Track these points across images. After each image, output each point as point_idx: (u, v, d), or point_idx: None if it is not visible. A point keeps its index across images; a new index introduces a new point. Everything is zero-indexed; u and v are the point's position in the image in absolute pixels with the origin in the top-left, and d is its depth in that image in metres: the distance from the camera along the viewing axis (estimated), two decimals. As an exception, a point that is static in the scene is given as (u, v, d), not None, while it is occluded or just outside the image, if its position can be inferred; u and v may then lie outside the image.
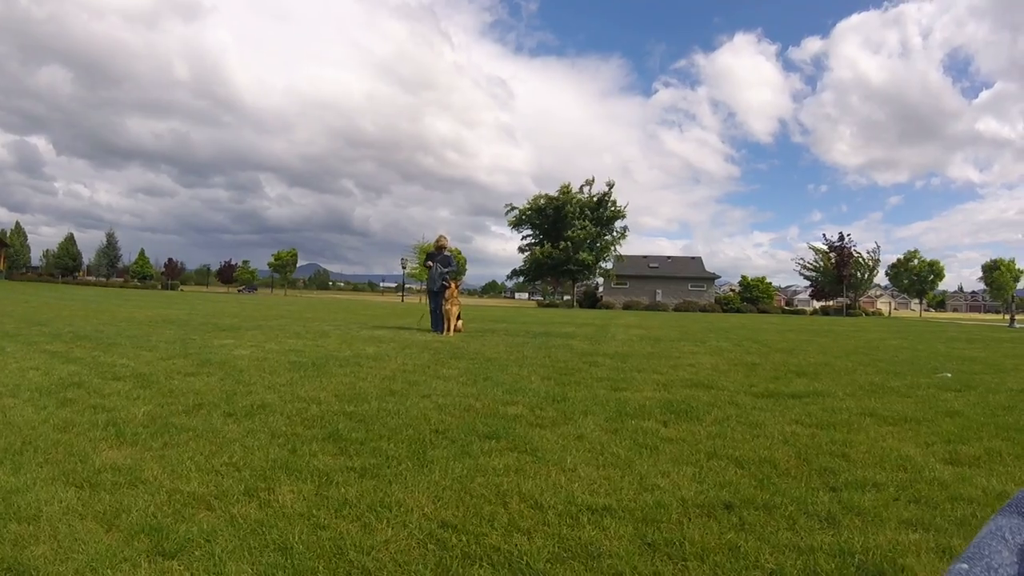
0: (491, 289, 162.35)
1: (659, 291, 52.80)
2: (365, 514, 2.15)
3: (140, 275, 79.05)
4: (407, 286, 64.48)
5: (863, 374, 6.17)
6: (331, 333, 9.60)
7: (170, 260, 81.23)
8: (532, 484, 2.44)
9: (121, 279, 78.45)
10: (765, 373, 5.91)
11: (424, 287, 10.25)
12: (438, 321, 9.74)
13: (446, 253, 9.95)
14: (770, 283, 57.21)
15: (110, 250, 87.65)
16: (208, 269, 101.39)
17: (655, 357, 7.13)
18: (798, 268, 54.89)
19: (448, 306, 9.48)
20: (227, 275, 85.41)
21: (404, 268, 55.09)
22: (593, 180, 51.62)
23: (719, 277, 57.38)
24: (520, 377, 5.21)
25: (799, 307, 63.23)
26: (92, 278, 79.32)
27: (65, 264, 79.70)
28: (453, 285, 9.52)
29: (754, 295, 54.48)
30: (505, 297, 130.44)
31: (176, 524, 2.08)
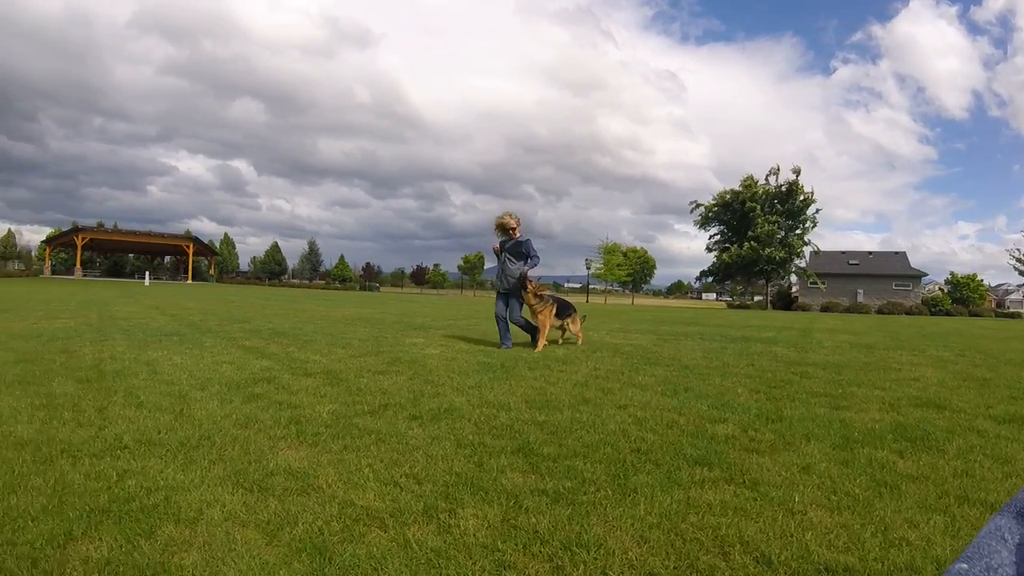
0: (677, 289, 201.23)
1: (860, 291, 62.22)
2: (558, 553, 2.34)
3: (340, 278, 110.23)
4: (591, 286, 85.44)
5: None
6: (519, 334, 11.24)
7: (367, 264, 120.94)
8: (755, 529, 2.60)
9: (323, 282, 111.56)
10: (1000, 391, 6.39)
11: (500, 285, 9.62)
12: (506, 332, 9.41)
13: (518, 237, 9.37)
14: (981, 281, 68.69)
15: (312, 256, 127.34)
16: (402, 272, 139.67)
17: (872, 368, 7.98)
18: (1014, 262, 61.13)
19: (538, 312, 9.24)
20: (419, 277, 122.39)
21: (588, 269, 74.59)
22: (779, 169, 60.63)
23: (926, 275, 67.31)
24: (725, 389, 5.92)
25: (1011, 309, 72.92)
26: (296, 281, 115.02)
27: (271, 269, 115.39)
28: (532, 284, 9.24)
29: (963, 295, 64.86)
30: (692, 298, 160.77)
31: (343, 544, 2.37)
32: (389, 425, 4.10)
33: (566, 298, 10.72)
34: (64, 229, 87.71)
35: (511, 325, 9.44)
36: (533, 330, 9.37)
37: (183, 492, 2.86)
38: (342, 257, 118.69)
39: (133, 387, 5.26)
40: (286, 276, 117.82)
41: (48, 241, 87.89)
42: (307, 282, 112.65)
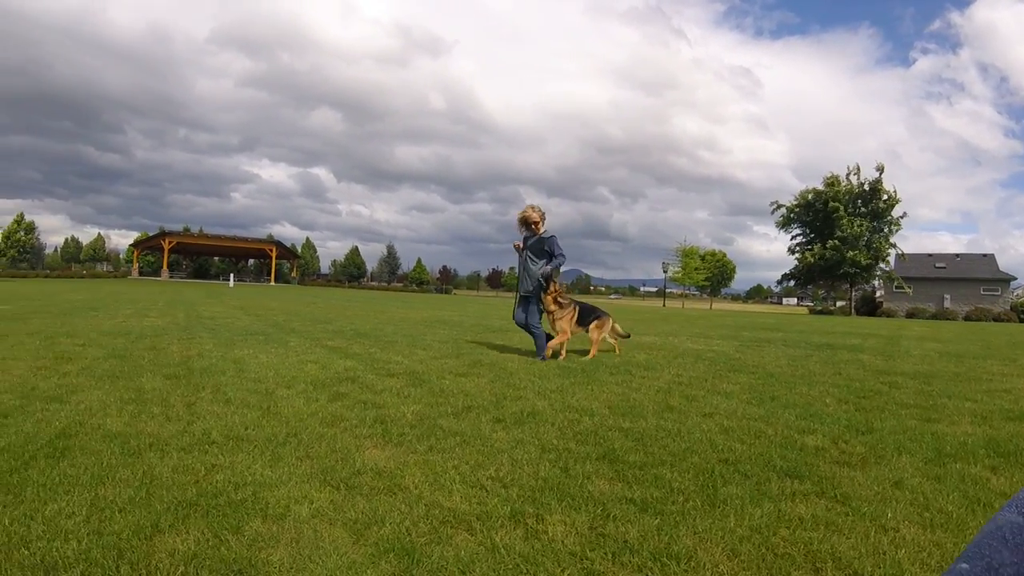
0: (756, 294, 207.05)
1: (947, 296, 62.24)
2: (648, 564, 2.37)
3: (417, 280, 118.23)
4: (668, 290, 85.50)
5: None
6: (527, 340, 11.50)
7: (444, 267, 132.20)
8: (847, 545, 2.62)
9: (400, 284, 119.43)
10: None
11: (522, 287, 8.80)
12: (541, 338, 8.61)
13: (542, 233, 8.56)
14: (1074, 285, 69.59)
15: (390, 259, 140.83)
16: (478, 275, 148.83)
17: (963, 379, 7.96)
18: None
19: (556, 320, 8.52)
20: (495, 280, 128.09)
21: (666, 272, 75.54)
22: (859, 168, 61.86)
23: (1015, 279, 65.84)
24: (812, 398, 5.99)
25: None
26: (375, 283, 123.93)
27: (351, 272, 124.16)
28: (554, 286, 8.56)
29: (1056, 300, 65.48)
30: (772, 302, 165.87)
31: (431, 546, 2.45)
32: (473, 427, 4.26)
33: (597, 304, 10.29)
34: (151, 233, 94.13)
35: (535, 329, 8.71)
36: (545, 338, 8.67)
37: (271, 488, 2.97)
38: (419, 260, 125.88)
39: (220, 384, 5.56)
40: (365, 279, 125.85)
41: (136, 244, 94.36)
42: (385, 284, 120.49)
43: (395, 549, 2.37)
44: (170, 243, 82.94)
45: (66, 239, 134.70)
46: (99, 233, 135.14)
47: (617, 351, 9.04)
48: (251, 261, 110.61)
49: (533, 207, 8.63)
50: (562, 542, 2.48)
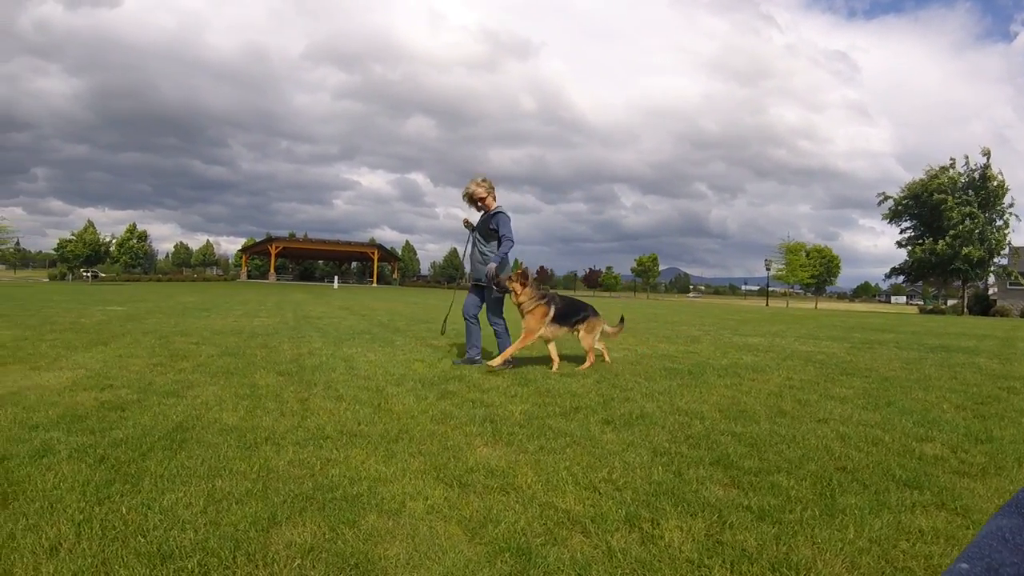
0: (863, 292, 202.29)
1: None
2: (767, 574, 2.36)
3: None
4: (771, 289, 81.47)
5: None
6: (702, 338, 11.84)
7: (541, 267, 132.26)
8: None
9: None
10: None
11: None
12: (477, 336, 7.49)
13: (498, 211, 7.37)
14: None
15: None
16: (574, 275, 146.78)
17: None
18: None
19: (526, 313, 7.06)
20: (592, 280, 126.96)
21: (768, 270, 72.68)
22: (967, 158, 60.89)
23: None
24: (929, 404, 5.83)
25: None
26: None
27: (449, 273, 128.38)
28: (518, 285, 7.08)
29: None
30: (879, 300, 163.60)
31: (546, 547, 2.44)
32: (582, 428, 4.25)
33: (584, 299, 8.56)
34: (258, 239, 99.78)
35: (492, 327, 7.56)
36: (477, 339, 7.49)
37: (386, 484, 3.01)
38: (516, 261, 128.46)
39: (332, 381, 5.74)
40: (463, 279, 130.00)
41: (244, 250, 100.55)
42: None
43: (511, 549, 2.37)
44: (276, 248, 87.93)
45: (176, 245, 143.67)
46: (208, 240, 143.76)
47: (606, 358, 7.63)
48: (354, 264, 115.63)
49: (478, 180, 7.47)
50: (679, 548, 2.45)
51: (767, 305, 62.69)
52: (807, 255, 75.07)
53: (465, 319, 7.52)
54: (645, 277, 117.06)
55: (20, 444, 3.52)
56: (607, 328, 7.76)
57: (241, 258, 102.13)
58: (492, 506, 2.76)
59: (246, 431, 3.88)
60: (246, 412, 4.41)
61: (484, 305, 7.59)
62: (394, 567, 2.22)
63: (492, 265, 7.18)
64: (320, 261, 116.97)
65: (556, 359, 7.08)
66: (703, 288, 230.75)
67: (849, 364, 8.70)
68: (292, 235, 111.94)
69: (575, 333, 7.38)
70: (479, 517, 2.64)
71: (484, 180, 7.50)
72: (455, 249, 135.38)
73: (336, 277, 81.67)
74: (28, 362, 6.51)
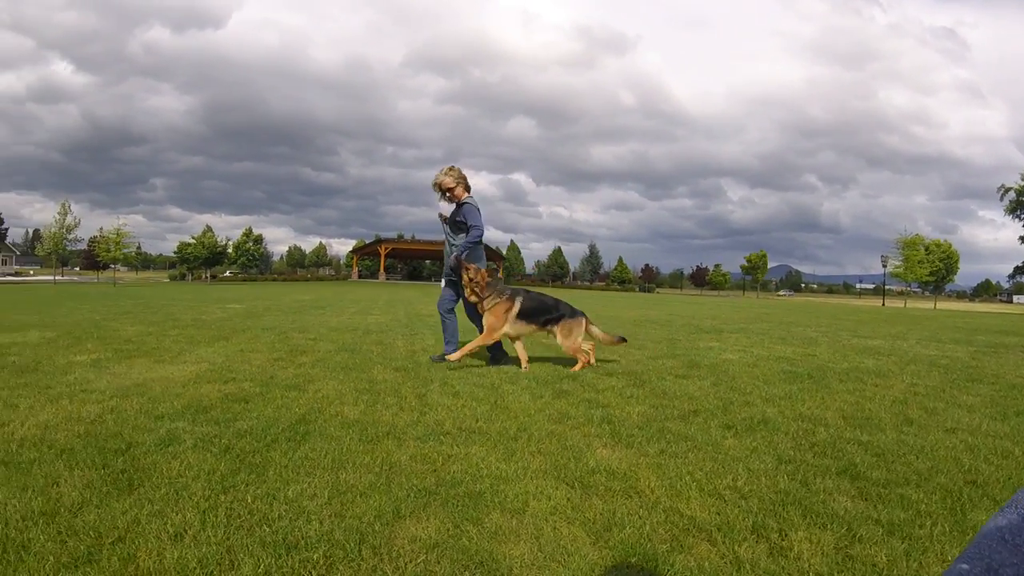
0: (984, 291, 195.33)
1: None
2: None
3: (619, 279, 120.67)
4: (887, 287, 77.64)
5: None
6: (819, 340, 11.54)
7: (646, 265, 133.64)
8: None
9: (603, 283, 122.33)
10: None
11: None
12: (454, 332, 7.27)
13: (464, 201, 7.14)
14: None
15: (593, 259, 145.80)
16: (681, 273, 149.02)
17: None
18: None
19: (485, 311, 6.76)
20: (699, 278, 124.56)
21: (885, 267, 68.80)
22: None
23: None
24: None
25: None
26: (577, 283, 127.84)
27: (554, 272, 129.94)
28: (472, 269, 6.74)
29: None
30: (1001, 300, 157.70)
31: (672, 554, 2.39)
32: (702, 432, 4.16)
33: (561, 297, 7.68)
34: (368, 241, 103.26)
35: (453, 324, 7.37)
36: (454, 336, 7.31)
37: (507, 482, 3.00)
38: (621, 259, 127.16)
39: (447, 377, 5.83)
40: (567, 278, 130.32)
41: (355, 251, 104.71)
42: (588, 284, 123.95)
43: (636, 554, 2.33)
44: (386, 249, 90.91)
45: (290, 247, 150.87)
46: (320, 242, 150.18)
47: (592, 361, 6.99)
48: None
49: (446, 170, 7.21)
50: (808, 561, 2.38)
51: (883, 305, 59.23)
52: (926, 250, 70.07)
53: (440, 314, 7.41)
54: (754, 275, 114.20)
55: (146, 433, 3.71)
56: (597, 332, 7.12)
57: (352, 259, 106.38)
58: (615, 509, 2.71)
59: (367, 425, 3.97)
60: (366, 407, 4.51)
61: (460, 300, 7.34)
62: (519, 567, 2.20)
63: (454, 256, 7.01)
64: (427, 261, 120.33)
65: (524, 358, 6.71)
66: (815, 286, 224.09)
67: (975, 369, 8.26)
68: (400, 236, 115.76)
69: (550, 335, 6.95)
70: (603, 520, 2.59)
71: (452, 169, 7.22)
72: (559, 248, 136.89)
73: (444, 276, 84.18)
74: (153, 355, 6.92)
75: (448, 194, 7.15)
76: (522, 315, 6.63)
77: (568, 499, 2.80)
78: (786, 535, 2.57)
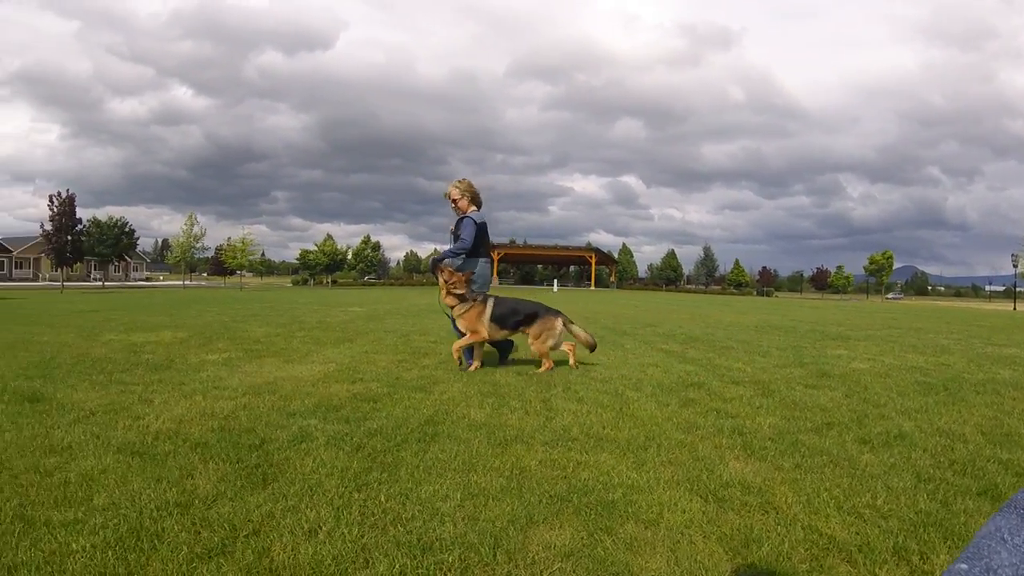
0: None
1: None
2: None
3: (735, 283, 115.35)
4: (1019, 290, 71.05)
5: None
6: (951, 348, 10.99)
7: (764, 268, 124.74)
8: None
9: (719, 287, 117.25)
10: None
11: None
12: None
13: (464, 216, 7.13)
14: None
15: (707, 261, 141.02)
16: (800, 275, 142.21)
17: None
18: None
19: (458, 316, 6.76)
20: (820, 281, 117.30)
21: (1016, 267, 62.97)
22: None
23: None
24: None
25: None
26: (691, 286, 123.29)
27: (667, 275, 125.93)
28: (447, 272, 6.79)
29: None
30: None
31: (812, 574, 2.31)
32: (838, 446, 3.96)
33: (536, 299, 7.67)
34: None
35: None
36: (506, 344, 7.38)
37: (640, 492, 2.94)
38: (736, 261, 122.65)
39: (570, 382, 5.80)
40: (681, 282, 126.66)
41: None
42: (703, 287, 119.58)
43: (775, 573, 2.24)
44: (498, 254, 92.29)
45: (406, 253, 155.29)
46: (435, 248, 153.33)
47: (572, 362, 6.92)
48: (571, 267, 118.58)
49: (455, 182, 7.39)
50: None
51: (1015, 309, 54.12)
52: (1065, 246, 63.72)
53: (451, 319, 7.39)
54: (879, 277, 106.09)
55: (279, 429, 3.87)
56: (576, 330, 7.01)
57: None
58: (752, 525, 2.61)
59: (494, 428, 4.00)
60: (492, 410, 4.56)
61: None
62: (656, 580, 2.15)
63: (431, 257, 7.24)
64: (539, 265, 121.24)
65: (477, 362, 6.75)
66: (942, 289, 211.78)
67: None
68: (512, 241, 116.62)
69: (527, 337, 6.91)
70: (740, 536, 2.51)
71: (462, 181, 7.35)
72: (672, 251, 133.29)
73: (555, 280, 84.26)
74: (282, 355, 7.25)
75: (454, 205, 7.32)
76: (494, 319, 6.71)
77: (703, 512, 2.72)
78: (927, 558, 2.45)
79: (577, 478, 3.08)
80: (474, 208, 7.28)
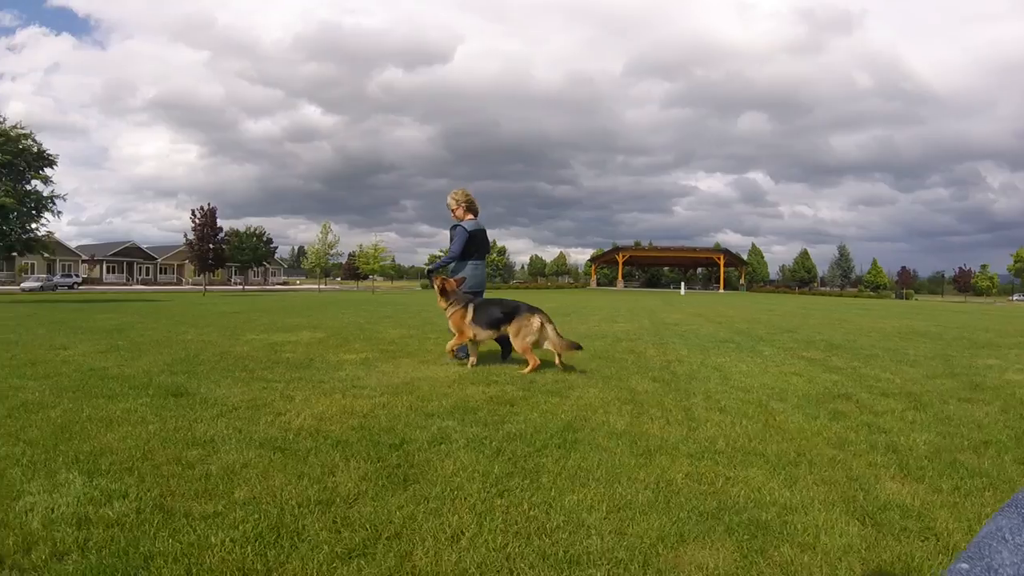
0: None
1: None
2: None
3: (872, 285, 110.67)
4: None
5: None
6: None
7: (903, 268, 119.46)
8: None
9: (854, 289, 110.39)
10: None
11: None
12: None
13: (456, 224, 7.80)
14: None
15: (843, 262, 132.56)
16: (942, 276, 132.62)
17: None
18: None
19: (448, 317, 7.23)
20: (964, 282, 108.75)
21: None
22: None
23: None
24: None
25: None
26: (826, 288, 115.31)
27: (800, 277, 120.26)
28: (440, 279, 7.36)
29: None
30: None
31: None
32: (997, 468, 3.58)
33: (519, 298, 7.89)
34: (605, 249, 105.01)
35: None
36: (504, 343, 7.54)
37: (794, 512, 2.79)
38: (875, 261, 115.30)
39: (709, 391, 5.63)
40: (815, 283, 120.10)
41: (593, 259, 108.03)
42: (838, 289, 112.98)
43: None
44: (623, 257, 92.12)
45: (531, 257, 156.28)
46: (560, 252, 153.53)
47: (558, 362, 6.82)
48: (699, 270, 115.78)
49: (453, 192, 7.95)
50: None
51: None
52: None
53: None
54: (1023, 278, 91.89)
55: (418, 430, 3.92)
56: (551, 334, 6.80)
57: (590, 267, 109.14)
58: (913, 552, 2.41)
59: (636, 437, 3.92)
60: (632, 418, 4.47)
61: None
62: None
63: (426, 265, 7.85)
64: (665, 268, 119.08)
65: (474, 357, 7.06)
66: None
67: None
68: (637, 244, 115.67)
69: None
70: (901, 564, 2.32)
71: (458, 192, 7.93)
72: (805, 251, 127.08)
73: (683, 283, 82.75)
74: (416, 356, 7.45)
75: (452, 214, 7.93)
76: (475, 321, 6.96)
77: (861, 537, 2.55)
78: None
79: (727, 494, 2.96)
80: (470, 216, 7.84)
